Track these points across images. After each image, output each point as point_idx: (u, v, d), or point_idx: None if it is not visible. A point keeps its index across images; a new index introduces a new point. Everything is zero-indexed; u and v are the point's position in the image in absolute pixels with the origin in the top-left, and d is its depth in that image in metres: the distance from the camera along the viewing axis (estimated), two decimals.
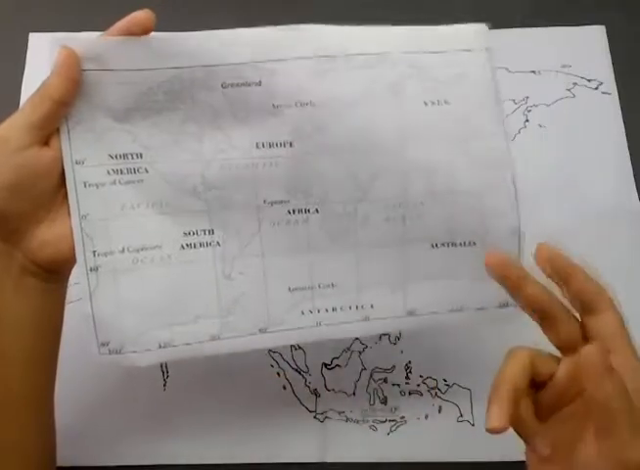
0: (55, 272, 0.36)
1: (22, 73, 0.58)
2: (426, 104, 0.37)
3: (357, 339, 0.49)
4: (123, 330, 0.37)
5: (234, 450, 0.47)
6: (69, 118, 0.35)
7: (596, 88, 0.58)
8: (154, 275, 0.37)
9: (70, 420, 0.46)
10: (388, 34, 0.37)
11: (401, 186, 0.38)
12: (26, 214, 0.34)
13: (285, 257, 0.38)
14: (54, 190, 0.35)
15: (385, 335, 0.50)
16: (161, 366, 0.48)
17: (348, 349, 0.49)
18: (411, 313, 0.40)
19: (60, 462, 0.41)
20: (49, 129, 0.34)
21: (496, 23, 0.60)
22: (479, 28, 0.39)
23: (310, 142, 0.36)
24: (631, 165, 0.55)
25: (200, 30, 0.35)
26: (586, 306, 0.33)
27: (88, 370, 0.48)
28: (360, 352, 0.49)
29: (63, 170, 0.35)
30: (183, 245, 0.37)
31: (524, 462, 0.47)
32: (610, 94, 0.57)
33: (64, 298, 0.38)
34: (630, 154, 0.55)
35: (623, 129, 0.56)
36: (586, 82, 0.58)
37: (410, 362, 0.49)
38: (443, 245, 0.39)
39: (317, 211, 0.38)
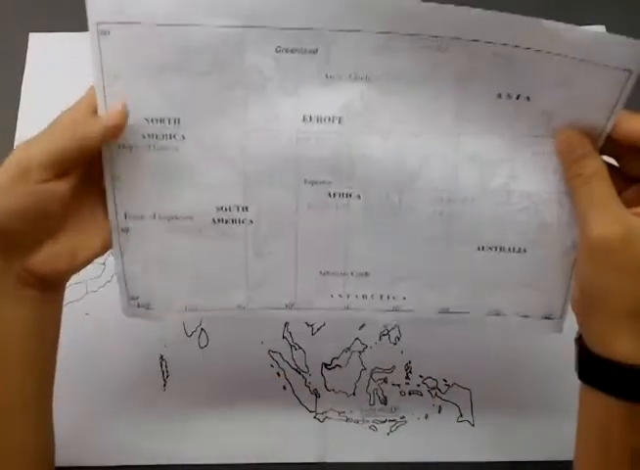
0: (52, 283, 0.36)
1: (22, 73, 0.58)
2: (499, 96, 0.34)
3: (357, 339, 0.49)
4: (152, 289, 0.38)
5: (234, 450, 0.47)
6: (105, 76, 0.34)
7: None
8: (184, 245, 0.37)
9: (70, 420, 0.46)
10: (475, 18, 0.33)
11: (451, 178, 0.36)
12: (31, 235, 0.34)
13: (319, 240, 0.37)
14: (62, 214, 0.35)
15: (385, 335, 0.50)
16: (161, 366, 0.48)
17: (348, 349, 0.49)
18: (443, 311, 0.39)
19: (60, 462, 0.41)
20: (71, 166, 0.34)
21: None
22: (629, 44, 0.32)
23: (360, 120, 0.35)
24: None
25: None
26: None
27: (88, 370, 0.48)
28: (360, 352, 0.49)
29: (74, 197, 0.34)
30: (215, 219, 0.37)
31: (523, 462, 0.47)
32: None
33: (61, 304, 0.38)
34: None
35: None
36: None
37: (410, 362, 0.49)
38: (490, 249, 0.37)
39: (359, 197, 0.36)
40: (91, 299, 0.50)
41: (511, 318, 0.39)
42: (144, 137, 0.35)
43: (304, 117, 0.35)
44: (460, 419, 0.48)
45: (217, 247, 0.37)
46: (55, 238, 0.35)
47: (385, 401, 0.48)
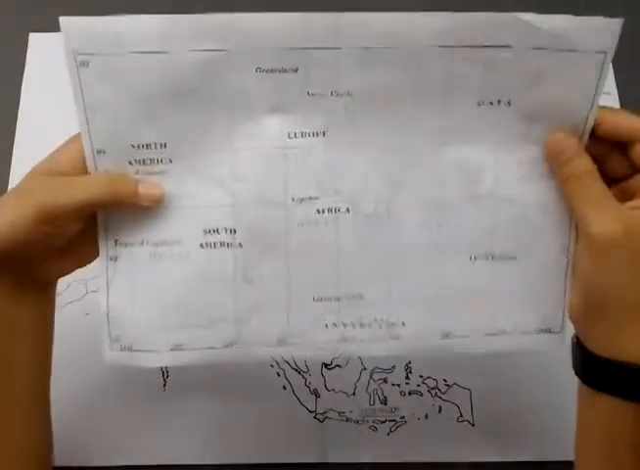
0: (48, 284, 0.37)
1: (22, 73, 0.58)
2: (479, 104, 0.35)
3: None
4: (136, 325, 0.37)
5: (234, 451, 0.47)
6: (88, 106, 0.33)
7: None
8: (171, 271, 0.36)
9: (71, 420, 0.46)
10: (449, 23, 0.33)
11: (437, 186, 0.36)
12: (35, 258, 0.34)
13: (310, 262, 0.36)
14: (69, 242, 0.35)
15: None
16: (162, 366, 0.48)
17: None
18: (446, 336, 0.37)
19: (60, 462, 0.41)
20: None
21: None
22: (601, 25, 0.33)
23: (344, 133, 0.35)
24: None
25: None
26: None
27: (88, 370, 0.48)
28: None
29: (83, 229, 0.35)
30: (203, 244, 0.36)
31: (523, 462, 0.47)
32: (610, 94, 0.57)
33: (54, 296, 0.38)
34: None
35: None
36: None
37: (410, 362, 0.49)
38: (482, 258, 0.37)
39: (348, 210, 0.36)
40: (91, 299, 0.50)
41: (510, 336, 0.37)
42: (131, 164, 0.35)
43: (289, 134, 0.35)
44: (460, 419, 0.48)
45: (206, 273, 0.36)
46: (57, 254, 0.35)
47: (385, 401, 0.48)
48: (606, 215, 0.32)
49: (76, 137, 0.34)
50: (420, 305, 0.37)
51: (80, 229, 0.34)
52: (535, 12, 0.33)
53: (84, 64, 0.33)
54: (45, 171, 0.34)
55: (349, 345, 0.37)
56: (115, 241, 0.36)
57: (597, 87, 0.34)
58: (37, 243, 0.33)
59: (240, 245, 0.36)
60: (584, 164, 0.34)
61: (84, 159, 0.34)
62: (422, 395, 0.49)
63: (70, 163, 0.34)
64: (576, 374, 0.34)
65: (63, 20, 0.32)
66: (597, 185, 0.33)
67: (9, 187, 0.51)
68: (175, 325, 0.37)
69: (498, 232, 0.36)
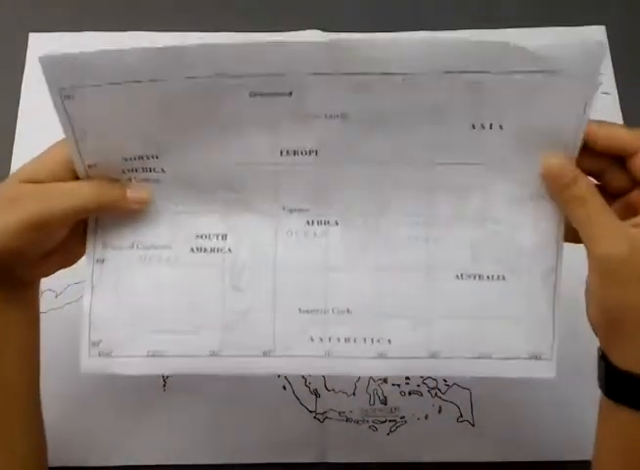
0: (33, 283, 0.37)
1: (22, 73, 0.58)
2: (473, 127, 0.35)
3: None
4: (118, 329, 0.36)
5: (234, 451, 0.47)
6: (77, 130, 0.34)
7: None
8: (159, 275, 0.36)
9: (70, 420, 0.46)
10: (444, 49, 0.33)
11: (426, 204, 0.36)
12: (23, 262, 0.35)
13: (299, 273, 0.37)
14: (56, 245, 0.35)
15: None
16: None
17: None
18: (434, 356, 0.36)
19: (59, 463, 0.41)
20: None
21: (496, 23, 0.60)
22: (588, 50, 0.32)
23: (336, 152, 0.35)
24: None
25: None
26: None
27: None
28: None
29: (70, 233, 0.35)
30: (193, 248, 0.37)
31: (523, 462, 0.47)
32: (609, 94, 0.57)
33: (38, 296, 0.38)
34: None
35: None
36: None
37: None
38: (469, 277, 0.36)
39: (337, 223, 0.37)
40: None
41: (499, 361, 0.37)
42: (124, 172, 0.35)
43: (281, 152, 0.35)
44: (460, 419, 0.48)
45: (194, 278, 0.37)
46: (43, 257, 0.35)
47: (385, 401, 0.48)
48: (610, 236, 0.32)
49: (61, 143, 0.34)
50: (407, 321, 0.37)
51: (68, 233, 0.35)
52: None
53: (69, 97, 0.33)
54: (28, 178, 0.34)
55: (334, 360, 0.37)
56: (104, 243, 0.36)
57: (585, 108, 0.33)
58: (26, 249, 0.33)
59: (229, 250, 0.37)
60: (584, 186, 0.33)
61: (70, 165, 0.34)
62: (422, 395, 0.49)
63: (56, 169, 0.34)
64: (599, 386, 0.34)
65: (42, 58, 0.31)
66: (598, 206, 0.33)
67: None
68: (160, 330, 0.37)
69: (485, 251, 0.36)
